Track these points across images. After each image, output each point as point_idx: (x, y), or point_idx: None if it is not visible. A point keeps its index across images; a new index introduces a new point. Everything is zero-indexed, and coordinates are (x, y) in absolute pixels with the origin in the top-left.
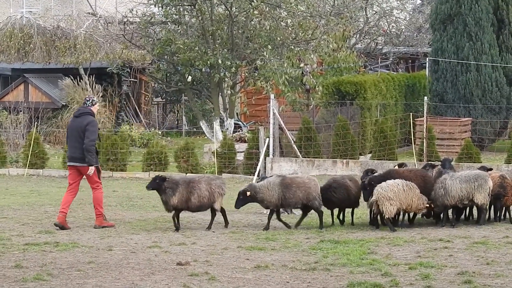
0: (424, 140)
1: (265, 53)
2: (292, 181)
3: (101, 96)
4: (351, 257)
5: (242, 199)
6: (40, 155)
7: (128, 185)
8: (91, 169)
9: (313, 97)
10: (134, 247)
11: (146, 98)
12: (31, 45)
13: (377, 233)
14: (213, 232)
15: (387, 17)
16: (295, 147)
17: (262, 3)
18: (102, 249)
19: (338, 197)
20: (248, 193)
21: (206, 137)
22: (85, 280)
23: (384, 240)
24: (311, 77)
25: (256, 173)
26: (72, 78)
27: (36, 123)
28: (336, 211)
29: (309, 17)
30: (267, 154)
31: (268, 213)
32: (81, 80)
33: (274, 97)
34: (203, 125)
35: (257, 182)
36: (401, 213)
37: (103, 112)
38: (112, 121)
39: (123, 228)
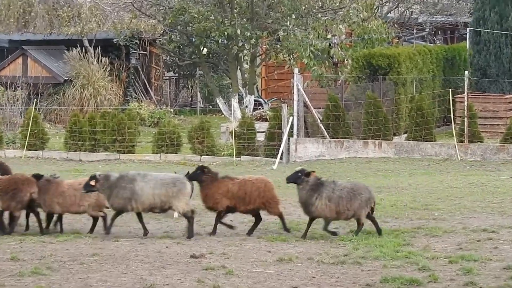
0: (465, 119)
1: (288, 23)
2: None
3: (107, 70)
4: (384, 249)
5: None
6: (39, 135)
7: (137, 168)
8: None
9: (341, 71)
10: (142, 238)
11: (156, 73)
12: (31, 14)
13: (413, 222)
14: (231, 221)
15: None
16: (322, 127)
17: None
18: (108, 240)
19: None
20: None
21: (223, 116)
22: (88, 274)
23: (421, 231)
24: (339, 49)
25: (279, 156)
26: (79, 49)
27: (35, 100)
28: None
29: None
30: (290, 135)
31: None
32: (86, 53)
33: (299, 72)
34: (220, 102)
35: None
36: None
37: (109, 88)
38: (119, 97)
39: (130, 216)
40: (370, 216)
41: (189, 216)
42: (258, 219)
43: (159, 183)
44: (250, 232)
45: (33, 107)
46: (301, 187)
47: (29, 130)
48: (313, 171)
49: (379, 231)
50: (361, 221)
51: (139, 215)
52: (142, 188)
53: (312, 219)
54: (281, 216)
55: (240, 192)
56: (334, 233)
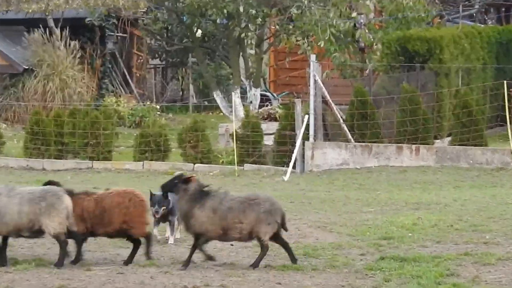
0: None
1: None
2: None
3: (77, 57)
4: (423, 280)
5: None
6: None
7: (115, 179)
8: None
9: (369, 58)
10: (122, 266)
11: (139, 60)
12: None
13: (459, 247)
14: (232, 245)
15: None
16: (345, 128)
17: None
18: (78, 269)
19: None
20: None
21: (221, 114)
22: None
23: (469, 258)
24: (367, 31)
25: (291, 164)
26: (42, 31)
27: None
28: None
29: None
30: (306, 138)
31: None
32: (52, 35)
33: (316, 59)
34: (218, 97)
35: None
36: None
37: (80, 79)
38: (92, 91)
39: (106, 239)
40: (279, 239)
41: (61, 241)
42: (136, 244)
43: (26, 198)
44: (127, 262)
45: None
46: (179, 197)
47: None
48: (193, 176)
49: (293, 260)
50: (263, 242)
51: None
52: (5, 205)
53: (196, 239)
54: (148, 239)
55: (97, 210)
56: (210, 258)
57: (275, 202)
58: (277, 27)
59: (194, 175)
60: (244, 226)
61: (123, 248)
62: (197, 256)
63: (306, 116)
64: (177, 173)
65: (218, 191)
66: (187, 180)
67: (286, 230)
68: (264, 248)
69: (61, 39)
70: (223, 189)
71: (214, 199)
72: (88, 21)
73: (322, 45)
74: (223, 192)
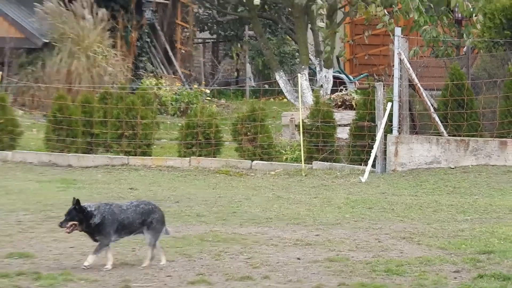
0: None
1: None
2: None
3: (108, 30)
4: None
5: None
6: (7, 127)
7: (155, 178)
8: None
9: (467, 33)
10: (166, 282)
11: (184, 34)
12: None
13: None
14: (298, 259)
15: None
16: (437, 119)
17: None
18: (113, 286)
19: None
20: None
21: (285, 100)
22: None
23: None
24: None
25: (370, 162)
26: None
27: (0, 73)
28: None
29: None
30: (388, 130)
31: None
32: (73, 2)
33: (402, 33)
34: (281, 79)
35: None
36: None
37: (112, 57)
38: (127, 71)
39: (144, 250)
40: None
41: None
42: None
43: None
44: None
45: None
46: None
47: None
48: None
49: None
50: None
51: None
52: None
53: None
54: None
55: None
56: None
57: None
58: None
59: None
60: None
61: (168, 261)
62: (258, 272)
63: (389, 104)
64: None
65: None
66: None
67: None
68: None
69: (87, 7)
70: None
71: None
72: None
73: (409, 17)
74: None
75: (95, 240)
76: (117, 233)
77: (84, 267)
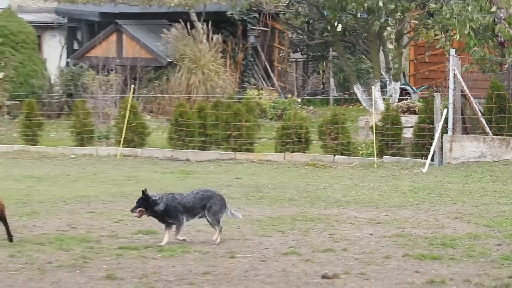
0: None
1: None
2: None
3: (219, 51)
4: None
5: None
6: (138, 129)
7: (257, 170)
8: None
9: (509, 53)
10: (264, 253)
11: (280, 54)
12: None
13: None
14: (371, 234)
15: None
16: (484, 121)
17: None
18: (222, 256)
19: None
20: None
21: (361, 107)
22: None
23: None
24: (507, 25)
25: (430, 156)
26: (182, 25)
27: (132, 86)
28: None
29: None
30: (444, 131)
31: None
32: (193, 29)
33: (456, 53)
34: (358, 90)
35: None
36: None
37: (222, 73)
38: (234, 84)
39: (249, 228)
40: None
41: None
42: None
43: None
44: None
45: (131, 95)
46: None
47: (125, 123)
48: None
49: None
50: None
51: None
52: None
53: None
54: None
55: None
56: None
57: None
58: (416, 21)
59: None
60: None
61: (265, 236)
62: (338, 245)
63: (445, 110)
64: None
65: None
66: None
67: None
68: None
69: (203, 33)
70: None
71: None
72: (230, 15)
73: (456, 38)
74: None
75: (164, 223)
76: (184, 215)
77: (178, 240)
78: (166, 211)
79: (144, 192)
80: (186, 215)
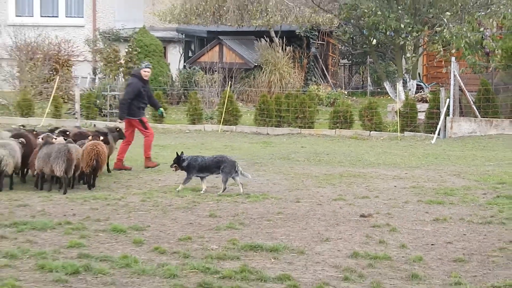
0: None
1: (444, 19)
2: None
3: (291, 58)
4: None
5: None
6: (233, 112)
7: (316, 141)
8: (122, 121)
9: (492, 60)
10: (320, 199)
11: (333, 60)
12: (224, 8)
13: None
14: (395, 186)
15: None
16: (474, 108)
17: None
18: (290, 201)
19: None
20: None
21: (389, 97)
22: (274, 229)
23: None
24: (491, 40)
25: (437, 132)
26: (265, 39)
27: (229, 82)
28: None
29: None
30: (447, 114)
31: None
32: (272, 42)
33: (455, 60)
34: (387, 85)
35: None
36: None
37: (293, 73)
38: (301, 81)
39: (310, 181)
40: None
41: None
42: None
43: None
44: None
45: (228, 89)
46: None
47: (224, 108)
48: None
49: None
50: None
51: None
52: None
53: None
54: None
55: None
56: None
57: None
58: (427, 38)
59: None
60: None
61: (321, 187)
62: (372, 194)
63: (448, 100)
64: None
65: None
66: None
67: None
68: None
69: (279, 45)
70: None
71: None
72: (298, 32)
73: (453, 51)
74: None
75: (196, 177)
76: (200, 172)
77: (177, 191)
78: (187, 167)
79: (177, 153)
80: (204, 172)
